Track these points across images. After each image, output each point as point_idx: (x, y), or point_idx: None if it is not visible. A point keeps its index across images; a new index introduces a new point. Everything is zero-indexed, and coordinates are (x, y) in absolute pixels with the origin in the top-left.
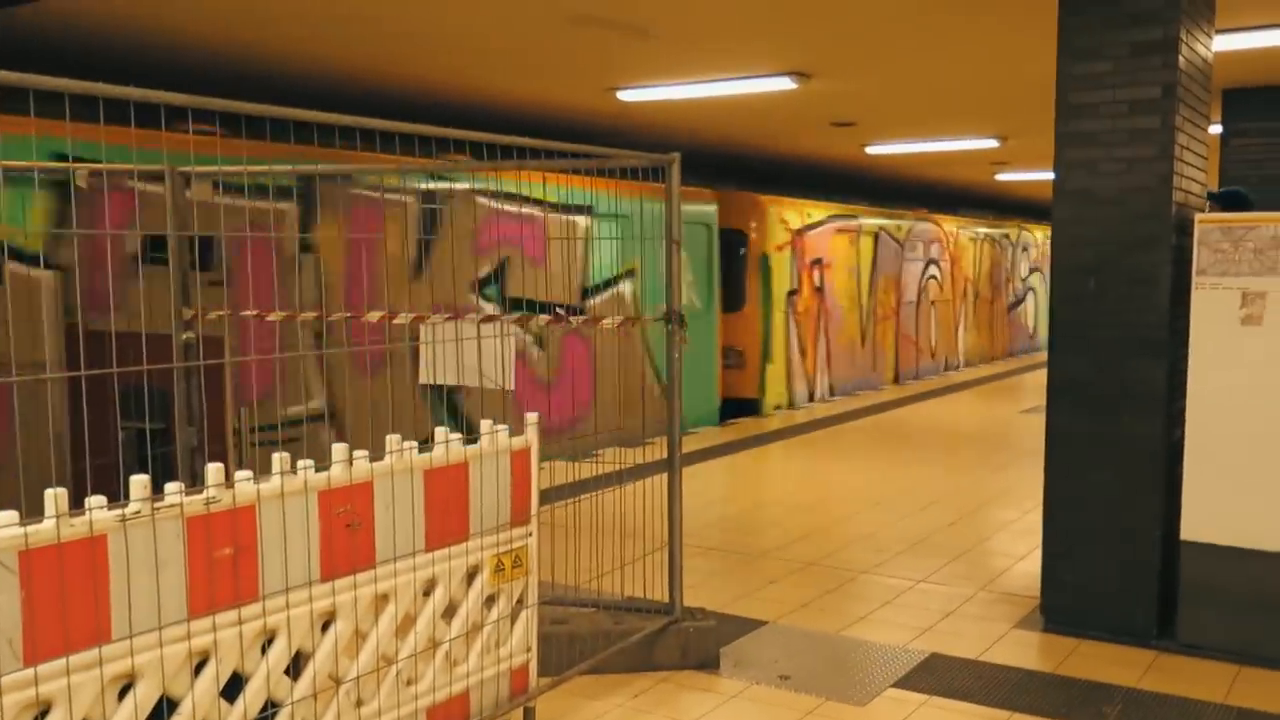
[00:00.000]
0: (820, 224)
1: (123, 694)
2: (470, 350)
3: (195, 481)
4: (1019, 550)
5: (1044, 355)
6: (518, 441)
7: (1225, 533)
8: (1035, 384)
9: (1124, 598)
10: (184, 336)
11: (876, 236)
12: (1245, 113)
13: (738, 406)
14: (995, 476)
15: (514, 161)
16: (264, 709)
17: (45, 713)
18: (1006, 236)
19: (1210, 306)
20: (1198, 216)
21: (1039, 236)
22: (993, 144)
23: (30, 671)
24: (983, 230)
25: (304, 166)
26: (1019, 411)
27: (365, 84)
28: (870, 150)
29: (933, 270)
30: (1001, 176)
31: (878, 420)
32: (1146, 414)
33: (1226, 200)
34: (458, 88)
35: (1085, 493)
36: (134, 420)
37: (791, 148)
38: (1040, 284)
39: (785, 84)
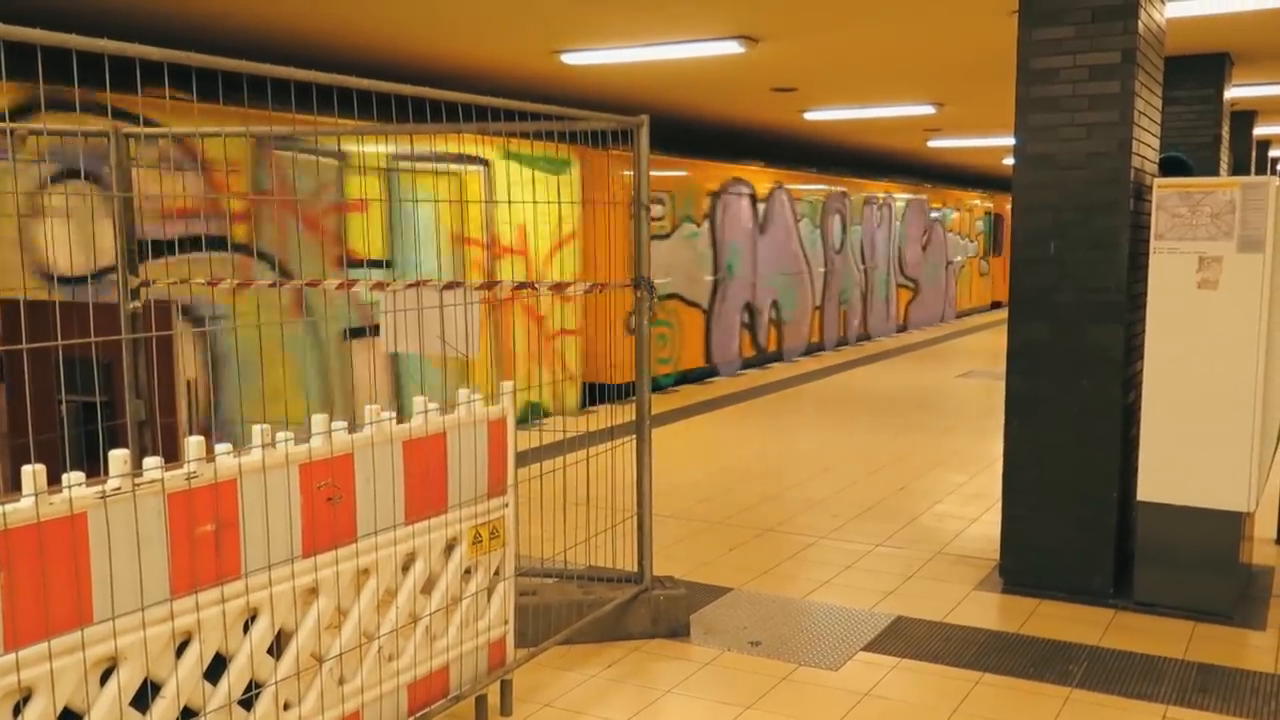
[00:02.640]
0: None
1: (104, 678)
2: (433, 318)
3: (144, 455)
4: (971, 513)
5: None
6: (494, 411)
7: (1180, 493)
8: None
9: (1081, 558)
10: (131, 306)
11: None
12: (1178, 81)
13: None
14: (940, 440)
15: (476, 124)
16: (247, 689)
17: (26, 700)
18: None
19: (1167, 271)
20: (1157, 181)
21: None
22: (929, 110)
23: (11, 657)
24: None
25: (258, 129)
26: (954, 376)
27: (292, 43)
28: (809, 116)
29: None
30: (934, 143)
31: None
32: (1105, 377)
33: (1169, 166)
34: (391, 45)
35: (1044, 455)
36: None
37: (729, 114)
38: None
39: (733, 48)
